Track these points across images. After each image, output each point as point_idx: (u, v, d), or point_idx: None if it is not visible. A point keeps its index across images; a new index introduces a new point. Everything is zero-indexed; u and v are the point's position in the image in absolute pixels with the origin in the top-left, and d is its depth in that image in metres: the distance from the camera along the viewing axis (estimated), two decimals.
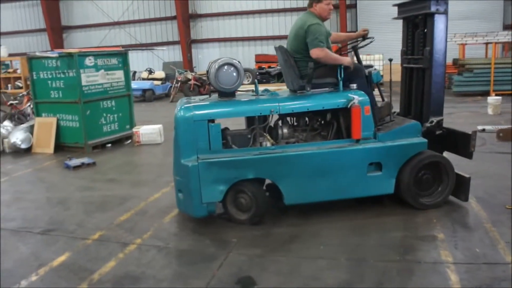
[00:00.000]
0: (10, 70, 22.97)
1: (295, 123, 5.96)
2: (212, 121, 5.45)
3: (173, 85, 20.72)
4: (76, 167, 8.71)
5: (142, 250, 5.02)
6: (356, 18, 24.77)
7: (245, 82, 20.27)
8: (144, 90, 20.69)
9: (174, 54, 27.81)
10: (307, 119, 5.94)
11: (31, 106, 11.70)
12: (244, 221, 5.52)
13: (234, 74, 5.55)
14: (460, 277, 4.09)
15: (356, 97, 5.38)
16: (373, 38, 5.94)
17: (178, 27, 26.75)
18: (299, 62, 5.77)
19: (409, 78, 6.32)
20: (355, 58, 6.10)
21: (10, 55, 23.35)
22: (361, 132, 5.47)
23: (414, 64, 6.10)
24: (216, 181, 5.35)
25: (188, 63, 26.61)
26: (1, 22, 30.83)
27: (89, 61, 9.94)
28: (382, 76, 6.23)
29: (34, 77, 10.46)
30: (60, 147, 10.41)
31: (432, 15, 5.62)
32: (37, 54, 10.32)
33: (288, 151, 5.49)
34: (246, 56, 25.23)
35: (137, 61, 26.36)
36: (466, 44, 18.21)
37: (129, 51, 11.43)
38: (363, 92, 5.56)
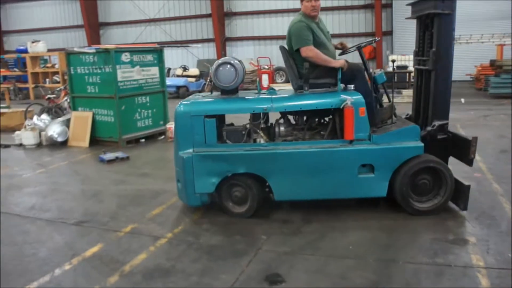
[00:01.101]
0: (49, 65, 23.47)
1: (295, 122, 6.03)
2: (211, 116, 5.63)
3: (207, 83, 20.83)
4: (110, 161, 8.89)
5: (172, 244, 5.10)
6: (391, 18, 24.52)
7: (279, 80, 20.24)
8: (178, 87, 20.91)
9: (209, 51, 27.96)
10: (305, 118, 5.99)
11: (68, 100, 11.95)
12: (241, 214, 5.72)
13: (232, 72, 5.69)
14: (491, 282, 4.04)
15: (349, 98, 5.36)
16: (377, 38, 5.92)
17: (213, 25, 26.92)
18: (297, 62, 5.83)
19: (420, 80, 6.16)
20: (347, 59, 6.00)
21: (49, 50, 23.80)
22: (355, 133, 5.45)
23: (423, 66, 5.93)
24: (209, 173, 5.60)
25: None
26: (41, 18, 31.56)
27: (125, 57, 10.11)
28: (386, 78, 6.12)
29: (72, 72, 10.71)
30: (95, 141, 10.64)
31: (438, 15, 5.44)
32: (75, 49, 10.54)
33: (279, 148, 5.61)
34: (280, 55, 25.09)
35: (172, 58, 26.58)
36: (504, 45, 17.81)
37: (164, 48, 11.56)
38: (358, 93, 5.53)
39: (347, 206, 5.86)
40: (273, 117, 6.10)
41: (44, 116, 11.62)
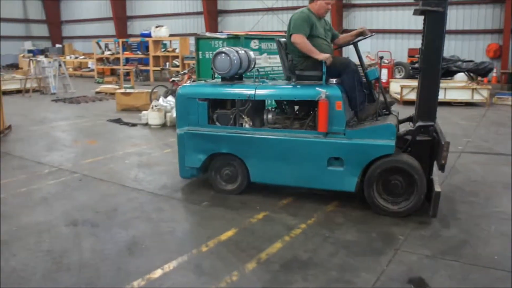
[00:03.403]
0: (170, 49, 24.27)
1: (285, 111, 6.34)
2: (203, 99, 6.20)
3: None
4: None
5: (308, 236, 4.97)
6: None
7: (398, 76, 19.55)
8: None
9: None
10: (295, 108, 6.25)
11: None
12: (230, 191, 6.20)
13: (227, 61, 6.05)
14: None
15: (323, 91, 5.46)
16: (373, 34, 5.97)
17: (331, 16, 26.51)
18: (289, 52, 6.02)
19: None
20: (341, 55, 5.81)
21: (170, 35, 24.57)
22: (330, 126, 5.56)
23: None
24: (196, 150, 6.22)
25: (338, 52, 26.25)
26: (162, 4, 32.78)
27: (254, 44, 10.09)
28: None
29: (200, 56, 10.85)
30: None
31: (428, 12, 5.24)
32: (207, 34, 10.68)
33: (257, 134, 5.98)
34: (398, 49, 24.25)
35: None
36: None
37: None
38: (337, 87, 5.60)
39: (487, 215, 5.53)
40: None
41: (170, 98, 11.93)
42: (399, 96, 15.25)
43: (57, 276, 4.13)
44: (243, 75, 6.61)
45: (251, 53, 6.63)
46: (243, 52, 6.34)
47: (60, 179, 6.94)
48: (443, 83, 15.76)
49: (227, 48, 6.22)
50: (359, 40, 6.01)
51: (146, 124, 11.31)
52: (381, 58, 14.32)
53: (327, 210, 5.68)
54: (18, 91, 18.31)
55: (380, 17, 25.85)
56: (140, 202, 6.00)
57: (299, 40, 5.72)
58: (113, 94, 16.71)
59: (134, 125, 11.44)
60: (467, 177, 7.06)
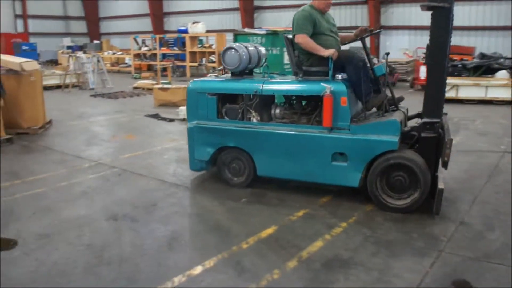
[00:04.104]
0: (206, 45, 24.35)
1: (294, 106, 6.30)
2: (213, 94, 6.31)
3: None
4: None
5: (349, 235, 4.90)
6: None
7: None
8: None
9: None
10: (303, 103, 6.23)
11: None
12: (237, 184, 6.31)
13: (236, 57, 6.13)
14: None
15: (328, 86, 5.50)
16: (381, 29, 6.09)
17: (368, 12, 26.17)
18: (295, 49, 6.03)
19: None
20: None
21: (207, 31, 24.63)
22: (334, 122, 5.60)
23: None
24: (205, 143, 6.36)
25: (375, 49, 25.94)
26: (198, 1, 32.93)
27: None
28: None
29: None
30: None
31: (434, 7, 5.18)
32: (246, 30, 10.66)
33: (264, 128, 6.05)
34: None
35: None
36: None
37: None
38: (342, 83, 5.61)
39: None
40: None
41: None
42: None
43: (98, 270, 4.15)
44: (254, 70, 6.76)
45: (262, 49, 6.75)
46: (253, 48, 6.44)
47: (99, 174, 7.01)
48: (483, 81, 15.43)
49: (237, 44, 6.31)
50: (367, 36, 6.01)
51: (184, 120, 11.33)
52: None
53: (366, 209, 5.59)
54: (58, 87, 18.58)
55: (419, 13, 25.37)
56: (178, 197, 6.02)
57: (302, 40, 5.79)
58: (150, 89, 16.84)
59: (171, 120, 11.50)
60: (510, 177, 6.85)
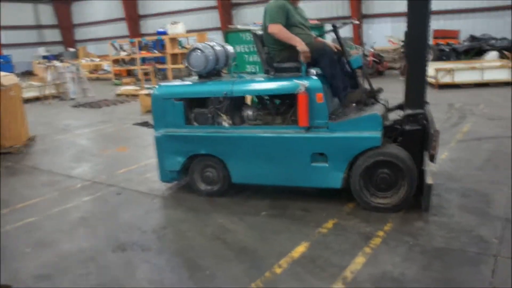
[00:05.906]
0: (187, 46, 23.66)
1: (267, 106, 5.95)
2: (179, 99, 5.86)
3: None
4: None
5: (390, 246, 4.33)
6: None
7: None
8: None
9: (344, 29, 26.71)
10: (276, 103, 5.89)
11: None
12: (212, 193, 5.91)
13: (202, 58, 5.81)
14: None
15: (302, 83, 5.13)
16: (355, 20, 5.39)
17: (349, 1, 25.67)
18: (267, 43, 5.69)
19: None
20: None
21: (187, 32, 23.99)
22: (311, 120, 5.25)
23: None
24: (175, 152, 5.97)
25: (358, 39, 25.47)
26: (173, 1, 32.28)
27: None
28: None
29: None
30: None
31: None
32: (238, 27, 10.08)
33: (236, 132, 5.67)
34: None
35: None
36: None
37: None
38: (317, 79, 5.26)
39: None
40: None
41: None
42: (434, 81, 14.38)
43: None
44: (228, 71, 6.46)
45: (229, 48, 6.40)
46: (219, 47, 6.10)
47: (96, 194, 6.35)
48: (478, 63, 15.05)
49: (202, 44, 5.96)
50: (341, 27, 5.68)
51: None
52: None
53: (401, 213, 5.03)
54: (37, 99, 17.86)
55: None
56: (190, 216, 5.40)
57: (277, 29, 5.40)
58: (134, 95, 16.21)
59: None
60: None
